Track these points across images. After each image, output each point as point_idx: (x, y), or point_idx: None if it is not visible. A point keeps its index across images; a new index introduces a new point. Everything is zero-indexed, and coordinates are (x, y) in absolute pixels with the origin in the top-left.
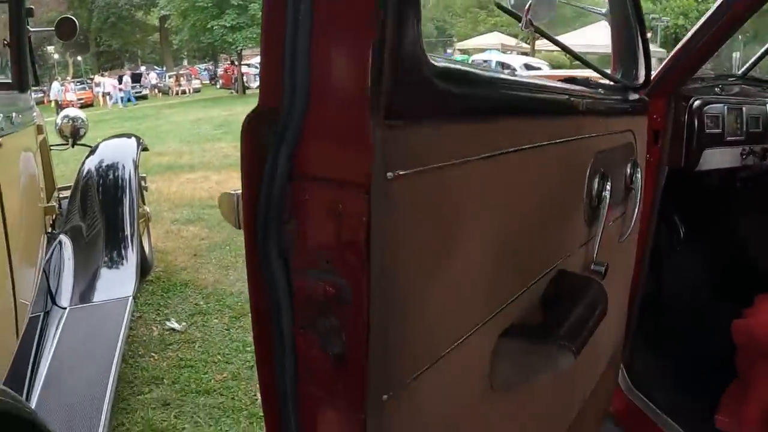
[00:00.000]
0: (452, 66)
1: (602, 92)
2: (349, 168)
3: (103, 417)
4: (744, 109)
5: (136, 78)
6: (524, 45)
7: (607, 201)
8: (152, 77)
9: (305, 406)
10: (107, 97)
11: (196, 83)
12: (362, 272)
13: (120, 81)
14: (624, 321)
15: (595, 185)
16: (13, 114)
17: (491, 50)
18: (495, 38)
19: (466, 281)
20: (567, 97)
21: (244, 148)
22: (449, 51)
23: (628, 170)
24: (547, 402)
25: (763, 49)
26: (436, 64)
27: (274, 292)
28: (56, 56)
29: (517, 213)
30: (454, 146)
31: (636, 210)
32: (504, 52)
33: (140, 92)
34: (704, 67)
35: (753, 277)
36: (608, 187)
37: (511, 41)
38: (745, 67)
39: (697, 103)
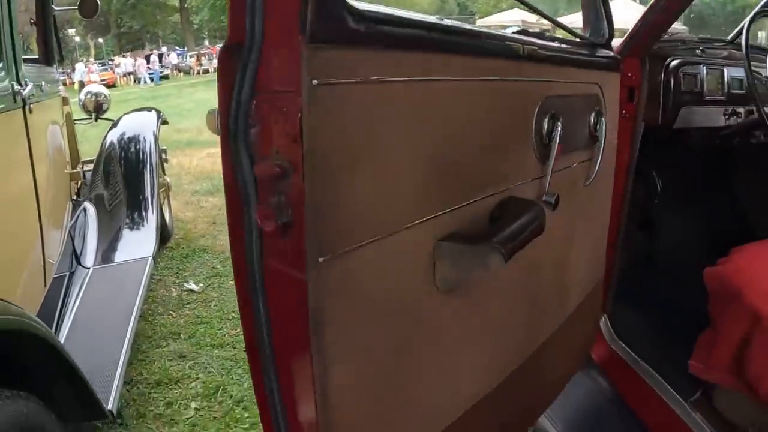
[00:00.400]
0: (373, 6)
1: (561, 45)
2: (289, 81)
3: (120, 361)
4: (726, 71)
5: (158, 58)
6: (544, 22)
7: (557, 140)
8: (173, 57)
9: (266, 273)
10: (130, 77)
11: (216, 63)
12: (298, 154)
13: (148, 61)
14: (601, 267)
15: (545, 125)
16: (42, 83)
17: (512, 27)
18: (516, 15)
19: (395, 182)
20: (502, 42)
21: (219, 73)
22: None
23: (592, 119)
24: (505, 318)
25: (750, 15)
26: (354, 4)
27: (242, 179)
28: (77, 39)
29: (452, 137)
30: (373, 68)
31: (600, 156)
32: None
33: (162, 72)
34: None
35: (733, 236)
36: (558, 128)
37: (532, 18)
38: (734, 32)
39: (674, 63)
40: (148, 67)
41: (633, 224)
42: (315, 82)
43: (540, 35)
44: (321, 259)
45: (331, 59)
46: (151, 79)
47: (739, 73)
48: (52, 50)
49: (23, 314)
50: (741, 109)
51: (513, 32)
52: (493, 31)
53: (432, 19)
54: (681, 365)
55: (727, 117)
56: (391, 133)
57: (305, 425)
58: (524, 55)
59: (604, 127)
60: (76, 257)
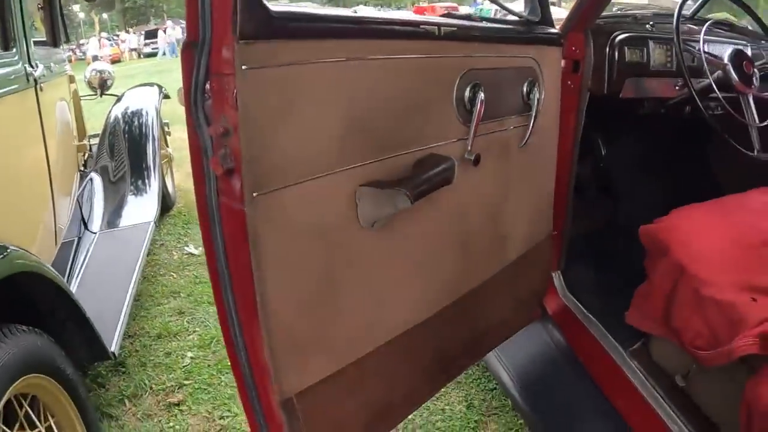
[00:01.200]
0: (287, 8)
1: (492, 25)
2: (228, 66)
3: (123, 311)
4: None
5: (150, 34)
6: None
7: (478, 106)
8: (178, 31)
9: (220, 210)
10: (133, 53)
11: None
12: (234, 116)
13: (150, 36)
14: (547, 224)
15: (467, 93)
16: (51, 64)
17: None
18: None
19: (315, 138)
20: (420, 26)
21: (182, 61)
22: (478, 1)
23: (525, 88)
24: (432, 258)
25: None
26: (272, 8)
27: (203, 138)
28: (82, 15)
29: (370, 103)
30: (292, 55)
31: (532, 121)
32: (450, 13)
33: (156, 48)
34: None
35: (675, 195)
36: (481, 95)
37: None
38: (694, 7)
39: (620, 37)
40: (167, 41)
41: (592, 190)
42: (244, 67)
43: (466, 17)
44: (255, 194)
45: (256, 50)
46: (170, 52)
47: (690, 47)
48: (58, 32)
49: (39, 261)
50: (694, 81)
51: (440, 15)
52: (409, 18)
53: (346, 12)
54: (620, 315)
55: (678, 88)
56: (310, 103)
57: (253, 332)
58: (441, 36)
59: (537, 96)
60: (84, 223)
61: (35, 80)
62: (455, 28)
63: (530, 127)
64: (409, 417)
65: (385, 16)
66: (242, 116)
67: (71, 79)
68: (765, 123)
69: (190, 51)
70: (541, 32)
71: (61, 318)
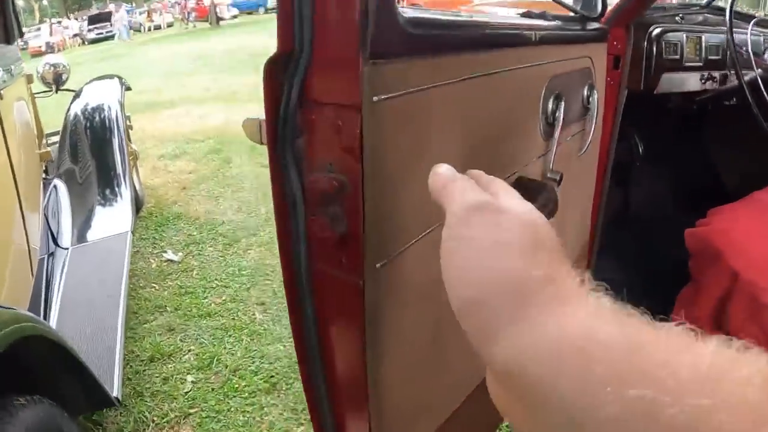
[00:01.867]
0: (419, 14)
1: (559, 23)
2: (346, 95)
3: (117, 345)
4: (703, 37)
5: (105, 17)
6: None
7: (561, 119)
8: (122, 15)
9: (316, 280)
10: (76, 39)
11: (168, 18)
12: (356, 169)
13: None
14: (588, 228)
15: (550, 105)
16: (11, 66)
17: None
18: None
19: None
20: (520, 30)
21: (265, 83)
22: None
23: (585, 92)
24: None
25: None
26: (405, 14)
27: (290, 191)
28: (21, 2)
29: (479, 128)
30: (423, 77)
31: (593, 127)
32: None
33: (111, 31)
34: None
35: (707, 194)
36: (562, 107)
37: None
38: None
39: (656, 31)
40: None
41: (612, 184)
42: (375, 98)
43: (542, 16)
44: (378, 265)
45: (388, 73)
46: (125, 34)
47: (715, 39)
48: (12, 28)
49: (30, 318)
50: (716, 74)
51: (518, 14)
52: (505, 20)
53: (464, 16)
54: (659, 318)
55: (703, 81)
56: (438, 136)
57: (358, 416)
58: (535, 41)
59: (596, 99)
60: (53, 238)
61: None
62: (543, 30)
63: (591, 133)
64: None
65: (489, 20)
66: (369, 166)
67: (29, 79)
68: None
69: (278, 67)
70: (592, 28)
71: (55, 369)
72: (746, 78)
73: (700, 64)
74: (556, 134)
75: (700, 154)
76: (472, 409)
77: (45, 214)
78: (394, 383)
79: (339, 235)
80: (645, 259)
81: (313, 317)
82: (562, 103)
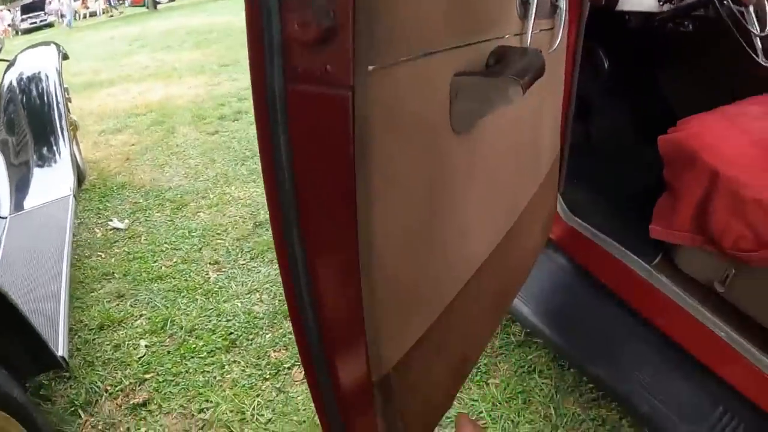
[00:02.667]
0: None
1: None
2: None
3: (62, 307)
4: None
5: (39, 5)
6: None
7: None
8: (56, 3)
9: (292, 104)
10: (9, 30)
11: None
12: None
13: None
14: (558, 143)
15: None
16: None
17: None
18: None
19: (423, 5)
20: None
21: None
22: None
23: None
24: (500, 172)
25: None
26: None
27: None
28: None
29: None
30: None
31: (561, 24)
32: None
33: (45, 20)
34: None
35: (662, 115)
36: None
37: None
38: None
39: None
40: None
41: (584, 115)
42: None
43: None
44: (371, 68)
45: None
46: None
47: None
48: None
49: None
50: None
51: None
52: None
53: None
54: (638, 232)
55: (661, 3)
56: None
57: (348, 287)
58: None
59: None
60: None
61: None
62: None
63: (560, 30)
64: None
65: None
66: None
67: None
68: (766, 32)
69: None
70: None
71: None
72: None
73: None
74: (531, 12)
75: (659, 83)
76: (466, 305)
77: None
78: (387, 247)
79: (324, 30)
80: (611, 180)
81: (288, 158)
82: None
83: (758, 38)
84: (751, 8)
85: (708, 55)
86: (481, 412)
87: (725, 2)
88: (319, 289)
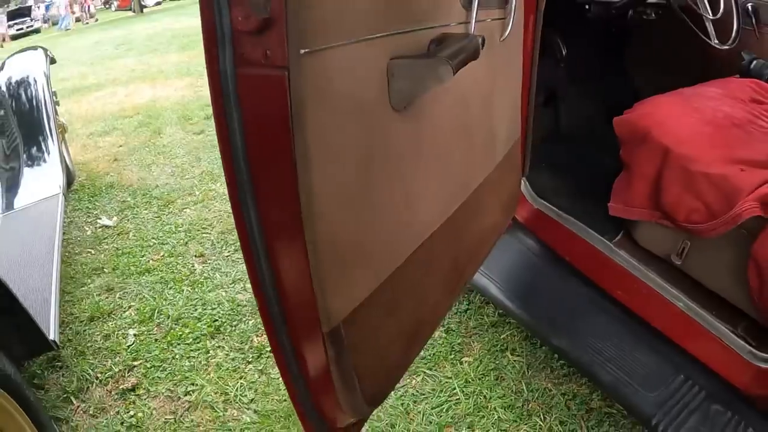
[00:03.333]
0: None
1: None
2: None
3: (52, 297)
4: None
5: (25, 11)
6: None
7: None
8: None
9: (242, 85)
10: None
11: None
12: None
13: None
14: (518, 127)
15: None
16: None
17: None
18: None
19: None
20: None
21: None
22: None
23: None
24: (447, 148)
25: None
26: None
27: None
28: None
29: None
30: None
31: (512, 15)
32: None
33: (32, 26)
34: None
35: (626, 103)
36: None
37: None
38: None
39: None
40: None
41: (540, 97)
42: None
43: None
44: (302, 51)
45: None
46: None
47: None
48: None
49: None
50: None
51: None
52: None
53: None
54: (600, 211)
55: None
56: None
57: (294, 245)
58: None
59: None
60: None
61: None
62: None
63: (511, 20)
64: None
65: None
66: None
67: None
68: (718, 15)
69: None
70: None
71: None
72: None
73: None
74: (475, 3)
75: (622, 69)
76: (418, 270)
77: None
78: (328, 210)
79: (262, 21)
80: (574, 164)
81: (240, 129)
82: None
83: (711, 22)
84: None
85: (669, 42)
86: (455, 388)
87: None
88: (271, 244)
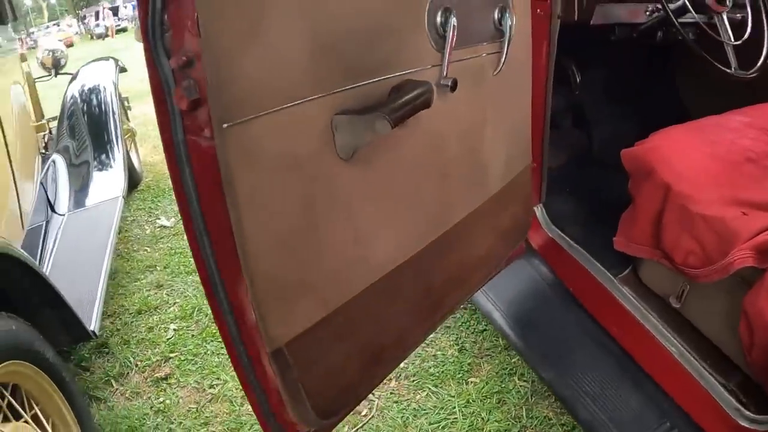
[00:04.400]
0: None
1: None
2: None
3: (99, 290)
4: None
5: (114, 11)
6: None
7: (451, 30)
8: (131, 9)
9: (190, 149)
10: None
11: None
12: (196, 43)
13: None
14: (527, 155)
15: (438, 18)
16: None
17: None
18: None
19: (288, 61)
20: None
21: None
22: None
23: (496, 15)
24: (414, 190)
25: None
26: None
27: (163, 73)
28: (29, 2)
29: (340, 28)
30: None
31: (506, 49)
32: None
33: (119, 25)
34: None
35: (648, 122)
36: (453, 21)
37: None
38: None
39: None
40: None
41: (567, 121)
42: None
43: None
44: (224, 125)
45: None
46: None
47: None
48: (5, 10)
49: (6, 243)
50: (670, 6)
51: None
52: None
53: None
54: (610, 244)
55: (649, 14)
56: (274, 25)
57: (235, 281)
58: None
59: (508, 23)
60: (50, 206)
61: None
62: None
63: (504, 54)
64: (401, 365)
65: None
66: (205, 41)
67: (23, 58)
68: (740, 41)
69: None
70: None
71: (36, 302)
72: (672, 6)
73: None
74: (447, 46)
75: (666, 90)
76: (379, 302)
77: (43, 185)
78: (263, 253)
79: (193, 102)
80: (596, 191)
81: (194, 185)
82: (452, 17)
83: (731, 47)
84: (724, 16)
85: (695, 64)
86: (455, 407)
87: (692, 14)
88: (222, 276)
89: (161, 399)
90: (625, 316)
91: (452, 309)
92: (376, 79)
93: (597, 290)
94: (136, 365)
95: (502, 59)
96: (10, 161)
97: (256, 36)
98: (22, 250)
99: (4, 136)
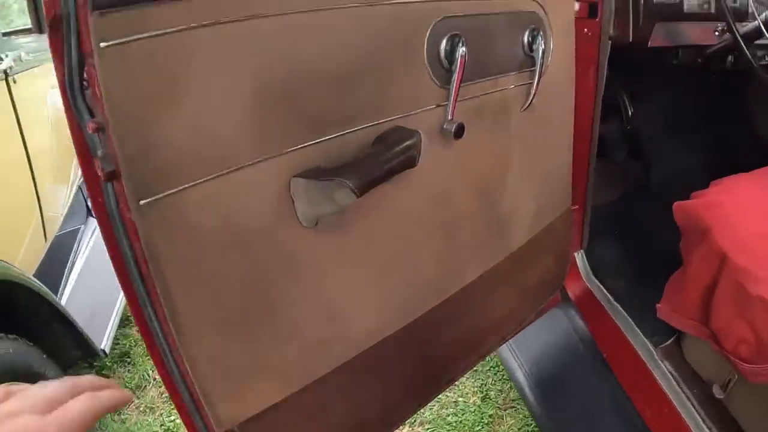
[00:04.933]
0: None
1: None
2: (88, 46)
3: (117, 303)
4: None
5: None
6: None
7: (459, 61)
8: None
9: (123, 219)
10: None
11: None
12: (105, 114)
13: None
14: (567, 198)
15: (443, 47)
16: (21, 53)
17: None
18: None
19: (221, 119)
20: None
21: (51, 47)
22: None
23: (526, 38)
24: (406, 253)
25: None
26: None
27: (86, 135)
28: None
29: (297, 71)
30: (170, 22)
31: (536, 79)
32: None
33: None
34: None
35: (716, 160)
36: (462, 49)
37: None
38: None
39: None
40: None
41: (619, 154)
42: (103, 44)
43: None
44: (141, 202)
45: (115, 21)
46: None
47: None
48: (41, 14)
49: (20, 273)
50: (736, 25)
51: None
52: None
53: None
54: (649, 305)
55: (718, 34)
56: (202, 77)
57: (178, 360)
58: None
59: (541, 48)
60: (88, 209)
61: (5, 72)
62: None
63: (535, 86)
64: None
65: None
66: (110, 107)
67: None
68: None
69: (57, 28)
70: None
71: (45, 319)
72: (743, 30)
73: (711, 12)
74: (454, 80)
75: (715, 118)
76: (357, 380)
77: (81, 189)
78: (202, 334)
79: (108, 174)
80: (648, 239)
81: (132, 255)
82: (461, 47)
83: None
84: None
85: (760, 98)
86: None
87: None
88: (174, 358)
89: (172, 418)
90: (661, 399)
91: (460, 375)
92: (352, 129)
93: (632, 360)
94: (154, 379)
95: (533, 92)
96: (33, 173)
97: (175, 98)
98: (24, 273)
99: (26, 147)
